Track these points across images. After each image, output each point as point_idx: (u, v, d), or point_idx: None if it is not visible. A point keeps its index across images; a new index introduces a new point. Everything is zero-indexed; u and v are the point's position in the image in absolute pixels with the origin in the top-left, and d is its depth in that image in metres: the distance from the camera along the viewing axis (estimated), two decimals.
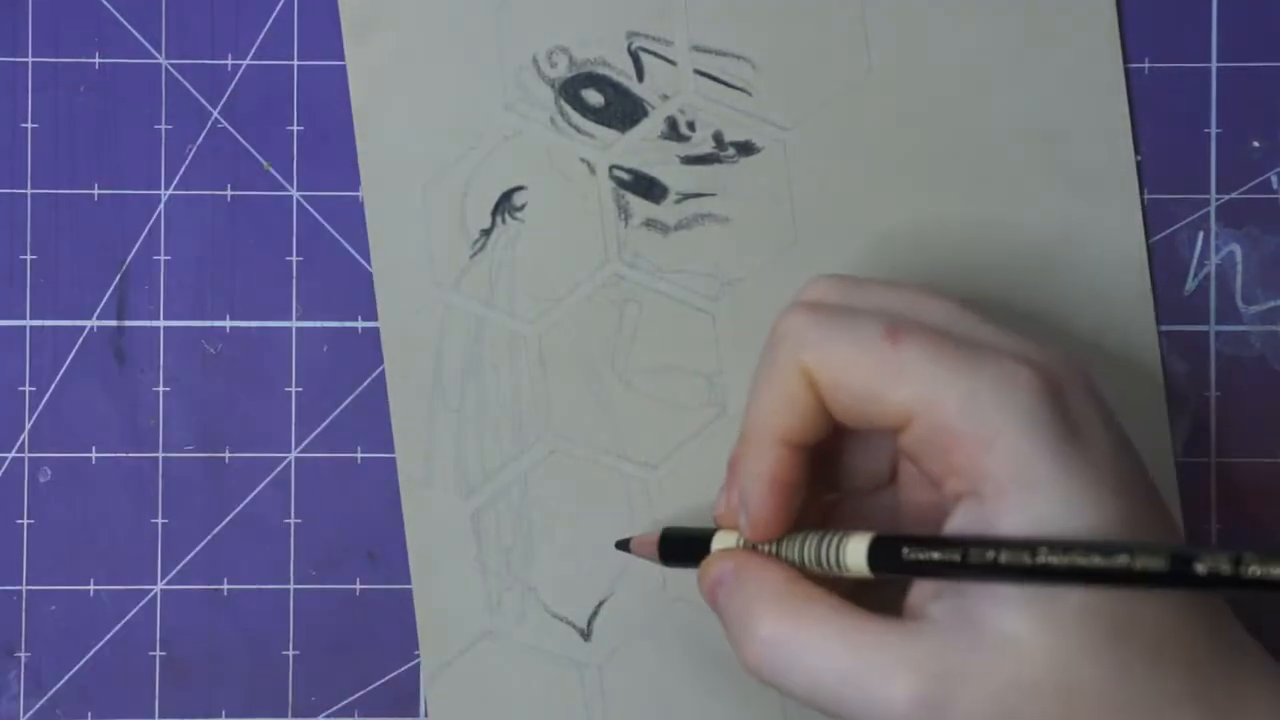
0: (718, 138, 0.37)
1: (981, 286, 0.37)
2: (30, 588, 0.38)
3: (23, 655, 0.37)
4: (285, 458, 0.38)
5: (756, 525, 0.30)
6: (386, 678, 0.37)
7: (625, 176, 0.37)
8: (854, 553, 0.28)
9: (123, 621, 0.37)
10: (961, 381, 0.28)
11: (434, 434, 0.37)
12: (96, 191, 0.38)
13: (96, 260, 0.38)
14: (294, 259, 0.38)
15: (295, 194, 0.38)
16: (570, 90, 0.38)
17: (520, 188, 0.37)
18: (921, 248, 0.37)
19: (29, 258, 0.38)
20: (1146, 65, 0.38)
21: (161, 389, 0.38)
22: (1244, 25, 0.38)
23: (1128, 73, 0.37)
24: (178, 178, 0.38)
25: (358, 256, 0.38)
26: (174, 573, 0.38)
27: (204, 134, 0.38)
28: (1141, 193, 0.37)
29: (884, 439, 0.31)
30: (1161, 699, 0.26)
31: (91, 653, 0.37)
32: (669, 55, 0.37)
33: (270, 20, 0.38)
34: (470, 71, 0.38)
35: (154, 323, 0.38)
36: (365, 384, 0.38)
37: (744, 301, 0.37)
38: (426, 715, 0.37)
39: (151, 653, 0.37)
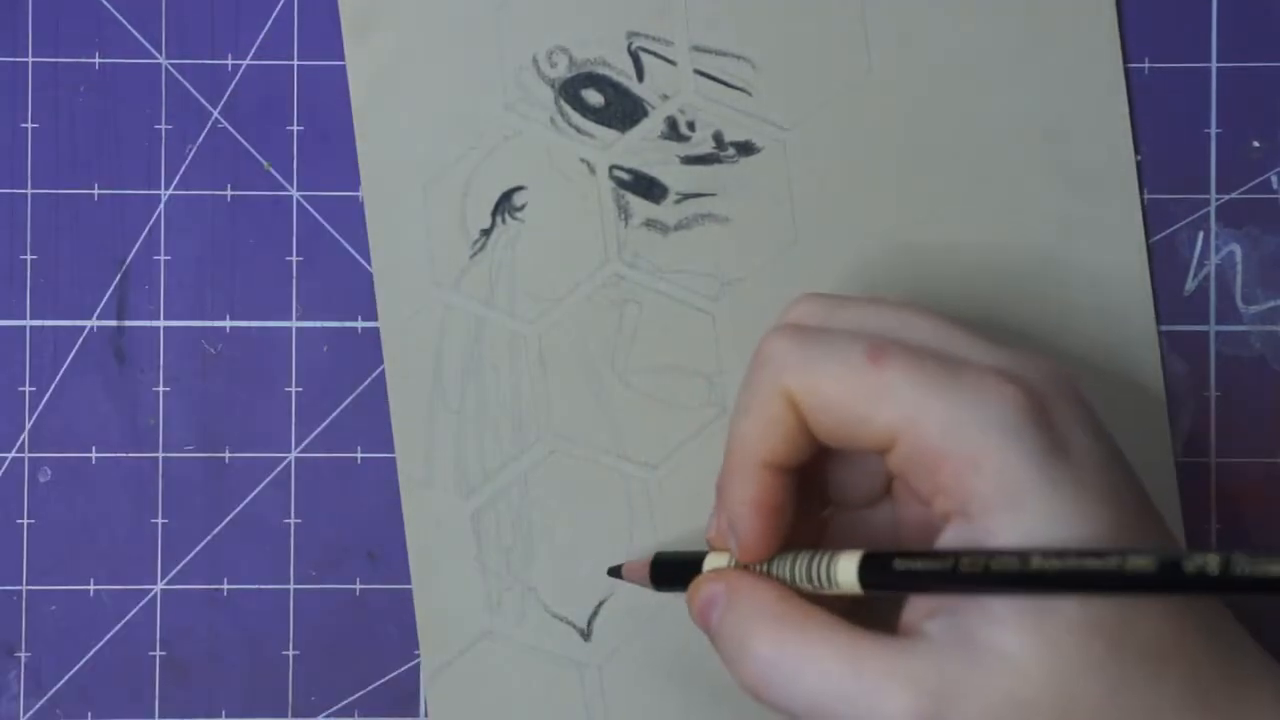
0: (718, 138, 0.37)
1: (981, 287, 0.37)
2: (30, 588, 0.38)
3: (23, 655, 0.37)
4: (285, 458, 0.38)
5: (746, 548, 0.30)
6: (386, 678, 0.37)
7: (625, 176, 0.37)
8: (844, 569, 0.28)
9: (123, 621, 0.37)
10: (944, 401, 0.27)
11: (434, 434, 0.37)
12: (96, 191, 0.38)
13: (96, 260, 0.38)
14: (294, 259, 0.38)
15: (295, 194, 0.38)
16: (570, 90, 0.38)
17: (520, 188, 0.37)
18: (921, 248, 0.37)
19: (29, 258, 0.38)
20: (1146, 65, 0.38)
21: (161, 389, 0.38)
22: (1244, 25, 0.38)
23: (1128, 73, 0.37)
24: (178, 178, 0.38)
25: (358, 256, 0.38)
26: (174, 573, 0.38)
27: (204, 134, 0.38)
28: (1141, 193, 0.37)
29: (875, 455, 0.31)
30: (1161, 706, 0.26)
31: (91, 653, 0.37)
32: (669, 55, 0.37)
33: (270, 20, 0.38)
34: (470, 71, 0.38)
35: (154, 323, 0.38)
36: (365, 384, 0.38)
37: (744, 301, 0.37)
38: (426, 715, 0.37)
39: (151, 653, 0.38)
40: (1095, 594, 0.26)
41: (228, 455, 0.38)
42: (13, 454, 0.38)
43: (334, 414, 0.38)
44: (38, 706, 0.37)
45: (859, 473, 0.32)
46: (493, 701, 0.37)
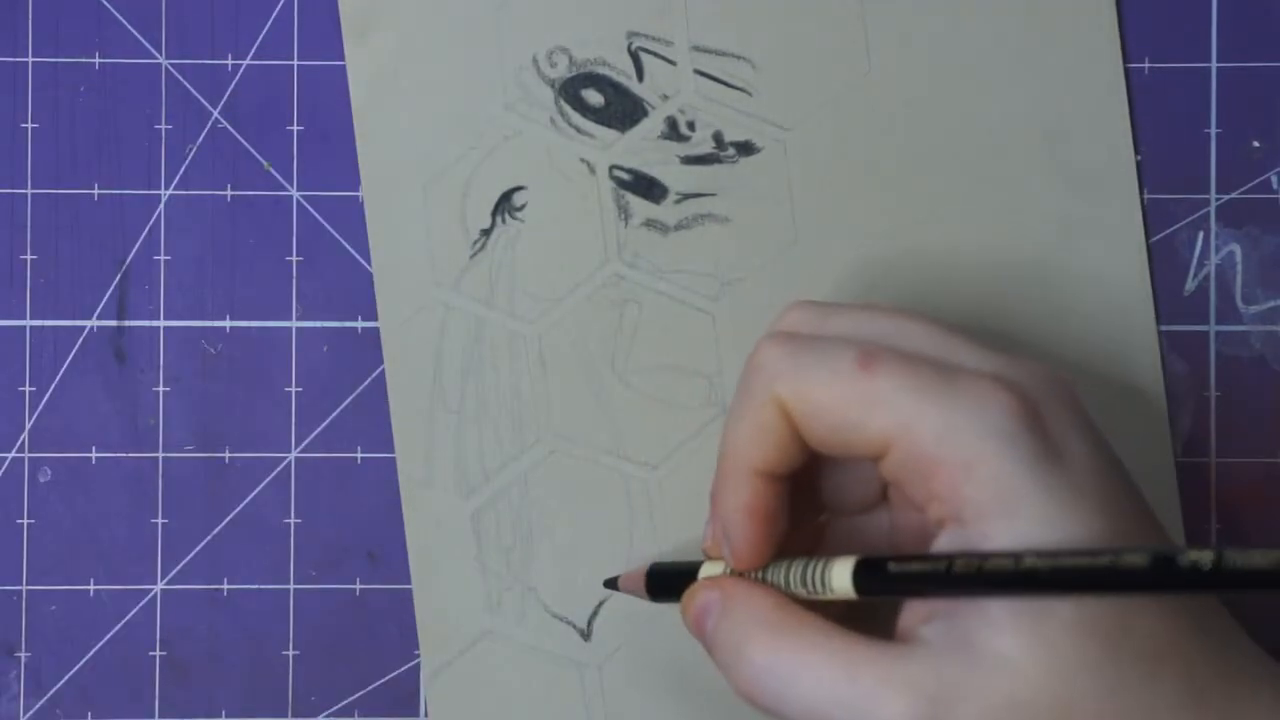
0: (718, 138, 0.37)
1: (981, 287, 0.37)
2: (30, 588, 0.38)
3: (23, 655, 0.38)
4: (285, 458, 0.38)
5: (740, 555, 0.30)
6: (386, 678, 0.37)
7: (625, 176, 0.37)
8: (839, 575, 0.28)
9: (123, 621, 0.37)
10: (937, 408, 0.27)
11: (434, 434, 0.37)
12: (96, 191, 0.38)
13: (96, 260, 0.38)
14: (294, 259, 0.38)
15: (295, 194, 0.38)
16: (570, 90, 0.38)
17: (520, 188, 0.37)
18: (921, 248, 0.37)
19: (29, 258, 0.38)
20: (1146, 65, 0.38)
21: (161, 389, 0.38)
22: (1244, 25, 0.38)
23: (1128, 73, 0.37)
24: (178, 178, 0.38)
25: (358, 256, 0.38)
26: (174, 573, 0.38)
27: (204, 134, 0.38)
28: (1141, 193, 0.37)
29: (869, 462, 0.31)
30: (1158, 706, 0.26)
31: (91, 653, 0.37)
32: (669, 55, 0.37)
33: (270, 20, 0.38)
34: (470, 71, 0.38)
35: (154, 323, 0.38)
36: (365, 384, 0.38)
37: (744, 301, 0.37)
38: (426, 715, 0.37)
39: (151, 653, 0.38)
40: (1090, 593, 0.26)
41: (228, 455, 0.38)
42: (13, 454, 0.38)
43: (334, 414, 0.38)
44: (38, 706, 0.37)
45: (854, 479, 0.32)
46: (493, 701, 0.37)
